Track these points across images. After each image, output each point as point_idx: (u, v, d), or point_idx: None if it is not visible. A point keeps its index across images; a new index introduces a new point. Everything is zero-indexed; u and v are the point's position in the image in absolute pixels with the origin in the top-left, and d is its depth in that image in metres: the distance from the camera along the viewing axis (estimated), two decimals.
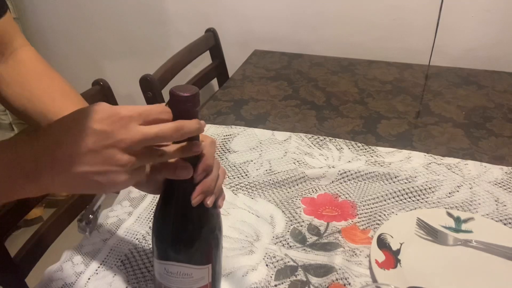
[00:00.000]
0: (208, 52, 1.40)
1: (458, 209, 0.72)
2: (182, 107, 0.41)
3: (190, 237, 0.47)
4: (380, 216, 0.70)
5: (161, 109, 0.40)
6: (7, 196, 0.40)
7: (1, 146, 0.39)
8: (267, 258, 0.63)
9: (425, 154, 0.86)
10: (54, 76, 0.60)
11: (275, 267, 0.62)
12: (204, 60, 1.39)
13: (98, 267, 0.62)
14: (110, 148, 0.37)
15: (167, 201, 0.48)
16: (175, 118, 0.41)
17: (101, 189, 0.40)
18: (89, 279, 0.60)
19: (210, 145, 0.45)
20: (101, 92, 1.01)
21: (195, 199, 0.45)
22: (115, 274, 0.61)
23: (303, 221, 0.70)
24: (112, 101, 1.04)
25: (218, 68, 1.43)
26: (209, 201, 0.45)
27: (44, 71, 0.60)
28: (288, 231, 0.69)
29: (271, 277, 0.60)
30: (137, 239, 0.67)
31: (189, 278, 0.48)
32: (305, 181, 0.79)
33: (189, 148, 0.42)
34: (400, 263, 0.61)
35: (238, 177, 0.81)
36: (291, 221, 0.71)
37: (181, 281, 0.49)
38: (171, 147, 0.42)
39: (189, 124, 0.40)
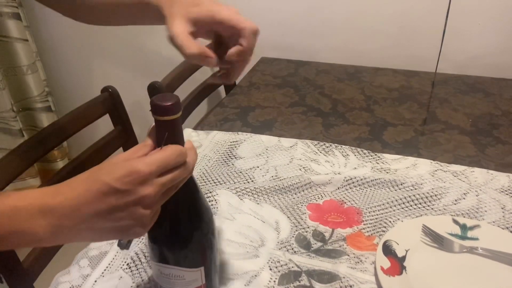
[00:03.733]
0: None
1: (464, 216, 0.71)
2: (164, 117, 0.41)
3: (180, 241, 0.48)
4: (385, 222, 0.70)
5: (176, 154, 0.41)
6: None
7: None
8: (271, 263, 0.64)
9: (431, 161, 0.86)
10: None
11: (279, 271, 0.62)
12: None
13: (104, 270, 0.63)
14: (133, 205, 0.39)
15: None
16: (159, 127, 0.42)
17: (122, 238, 0.43)
18: (95, 281, 0.61)
19: (253, 37, 0.53)
20: (110, 99, 1.03)
21: (232, 51, 0.52)
22: (121, 277, 0.61)
23: (308, 227, 0.71)
24: (121, 107, 1.05)
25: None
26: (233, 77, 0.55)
27: None
28: (293, 237, 0.69)
29: (274, 281, 0.60)
30: (143, 242, 0.67)
31: (182, 280, 0.49)
32: (310, 187, 0.80)
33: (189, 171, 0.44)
34: (405, 270, 0.61)
35: (244, 182, 0.81)
36: (296, 226, 0.71)
37: (174, 282, 0.49)
38: (181, 182, 0.43)
39: (192, 159, 0.43)
